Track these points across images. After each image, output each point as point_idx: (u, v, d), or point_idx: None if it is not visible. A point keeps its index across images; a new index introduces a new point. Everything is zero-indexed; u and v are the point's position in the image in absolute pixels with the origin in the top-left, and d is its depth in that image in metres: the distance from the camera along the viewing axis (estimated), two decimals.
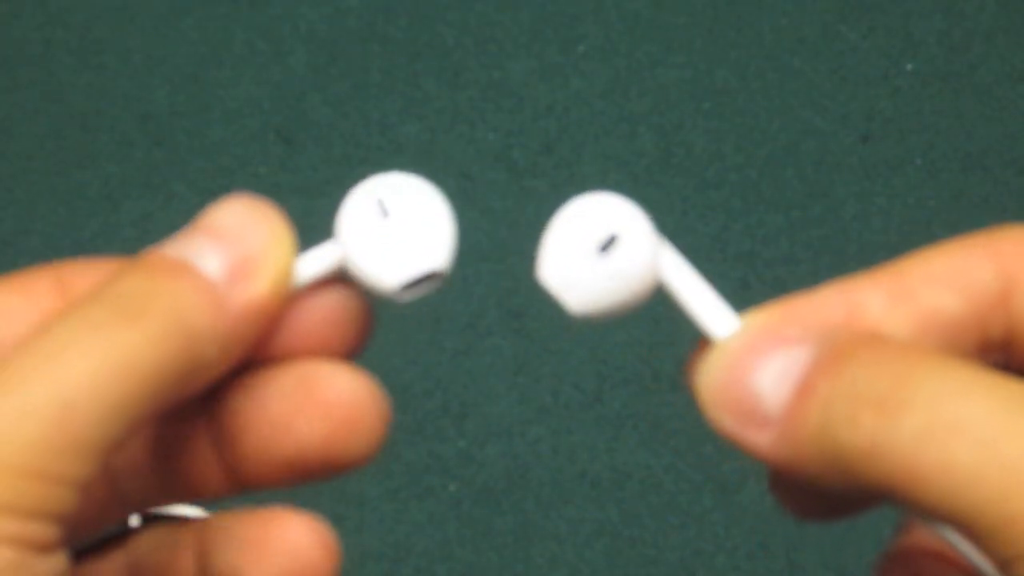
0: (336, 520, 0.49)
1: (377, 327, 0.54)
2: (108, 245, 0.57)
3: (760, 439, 0.22)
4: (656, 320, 0.54)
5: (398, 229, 0.24)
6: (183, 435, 0.24)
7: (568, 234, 0.24)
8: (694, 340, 0.25)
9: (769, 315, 0.23)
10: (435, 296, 0.59)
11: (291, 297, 0.24)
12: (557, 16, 0.61)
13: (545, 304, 0.55)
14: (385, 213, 0.24)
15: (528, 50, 0.60)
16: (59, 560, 0.21)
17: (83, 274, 0.23)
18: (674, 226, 0.56)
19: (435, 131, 0.58)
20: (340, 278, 0.25)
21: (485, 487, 0.51)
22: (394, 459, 0.52)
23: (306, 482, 0.24)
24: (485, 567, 0.50)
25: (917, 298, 0.23)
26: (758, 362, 0.23)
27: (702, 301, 0.24)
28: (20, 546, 0.20)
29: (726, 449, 0.56)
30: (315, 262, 0.24)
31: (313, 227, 0.64)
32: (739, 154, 0.58)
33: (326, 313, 0.25)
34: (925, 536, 0.26)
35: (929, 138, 0.58)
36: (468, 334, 0.54)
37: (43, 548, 0.21)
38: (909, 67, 0.59)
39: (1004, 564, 0.20)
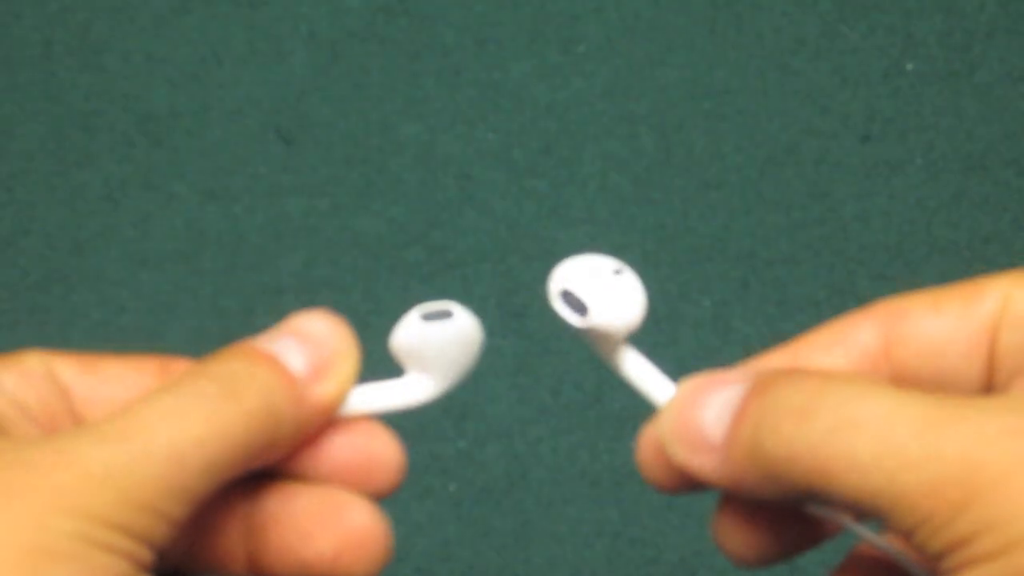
0: None
1: (377, 327, 0.54)
2: (108, 245, 0.57)
3: (707, 463, 0.27)
4: (656, 320, 0.54)
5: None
6: (223, 515, 0.28)
7: (586, 262, 0.29)
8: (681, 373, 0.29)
9: (703, 374, 0.28)
10: (435, 296, 0.59)
11: (351, 418, 0.30)
12: (557, 16, 0.61)
13: (545, 304, 0.56)
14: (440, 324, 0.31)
15: (528, 50, 0.60)
16: None
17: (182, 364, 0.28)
18: (674, 226, 0.56)
19: (435, 131, 0.58)
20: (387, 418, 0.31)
21: (485, 487, 0.51)
22: None
23: None
24: (485, 567, 0.50)
25: (814, 363, 0.28)
26: (701, 401, 0.27)
27: (647, 376, 0.30)
28: (131, 561, 0.24)
29: None
30: (377, 391, 0.30)
31: (313, 227, 0.65)
32: (739, 154, 0.58)
33: (366, 449, 0.30)
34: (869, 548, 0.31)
35: (929, 138, 0.58)
36: None
37: (144, 568, 0.25)
38: (909, 67, 0.59)
39: (908, 534, 0.23)
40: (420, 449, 0.52)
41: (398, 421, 0.59)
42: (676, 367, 0.59)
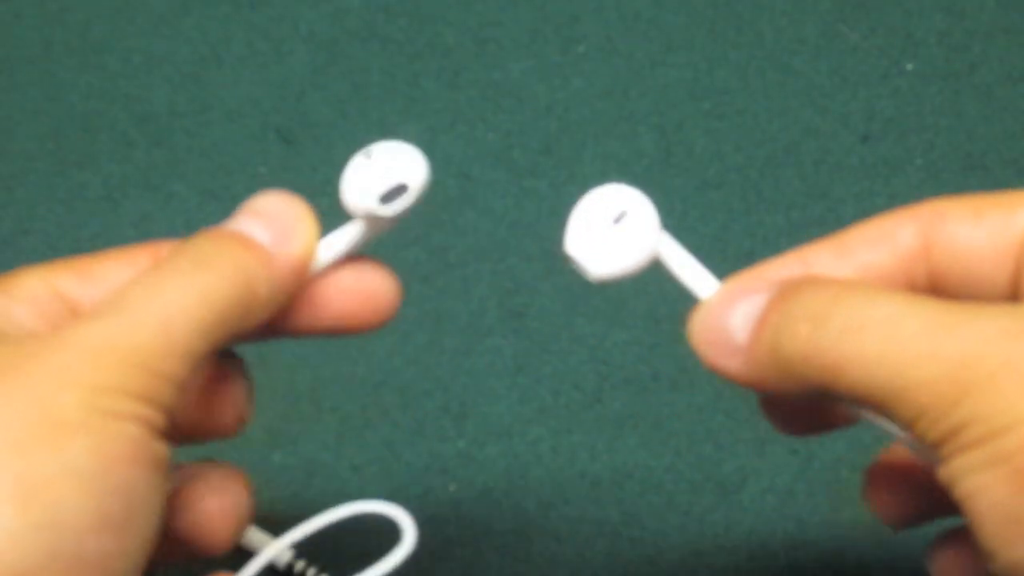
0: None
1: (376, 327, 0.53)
2: (108, 245, 0.57)
3: (733, 365, 0.30)
4: (656, 320, 0.54)
5: (375, 161, 0.34)
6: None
7: (587, 212, 0.31)
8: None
9: (740, 276, 0.31)
10: (435, 296, 0.59)
11: (323, 270, 0.34)
12: (557, 16, 0.61)
13: (545, 304, 0.55)
14: (368, 156, 0.34)
15: (528, 50, 0.60)
16: (166, 446, 0.28)
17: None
18: (674, 226, 0.56)
19: (435, 131, 0.58)
20: (363, 256, 0.35)
21: (485, 487, 0.51)
22: (394, 459, 0.52)
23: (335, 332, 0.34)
24: (485, 567, 0.50)
25: (855, 255, 0.30)
26: (729, 308, 0.30)
27: (691, 270, 0.32)
28: (141, 424, 0.26)
29: (726, 449, 0.57)
30: (338, 236, 0.34)
31: None
32: (739, 154, 0.58)
33: (351, 284, 0.34)
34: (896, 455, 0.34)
35: (929, 138, 0.58)
36: (468, 334, 0.54)
37: (156, 431, 0.27)
38: (909, 67, 0.59)
39: (909, 425, 0.26)
40: (420, 449, 0.52)
41: (398, 420, 0.59)
42: (677, 367, 0.59)
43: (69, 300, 0.31)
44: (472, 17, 0.61)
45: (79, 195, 0.57)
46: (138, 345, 0.27)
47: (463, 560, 0.50)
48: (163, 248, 0.33)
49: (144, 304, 0.28)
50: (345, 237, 0.35)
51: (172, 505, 0.33)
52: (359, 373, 0.53)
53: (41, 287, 0.31)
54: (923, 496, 0.34)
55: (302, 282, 0.33)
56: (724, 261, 0.56)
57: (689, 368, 0.53)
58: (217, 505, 0.34)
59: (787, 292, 0.29)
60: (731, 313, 0.30)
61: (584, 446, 0.52)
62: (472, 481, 0.51)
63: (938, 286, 0.30)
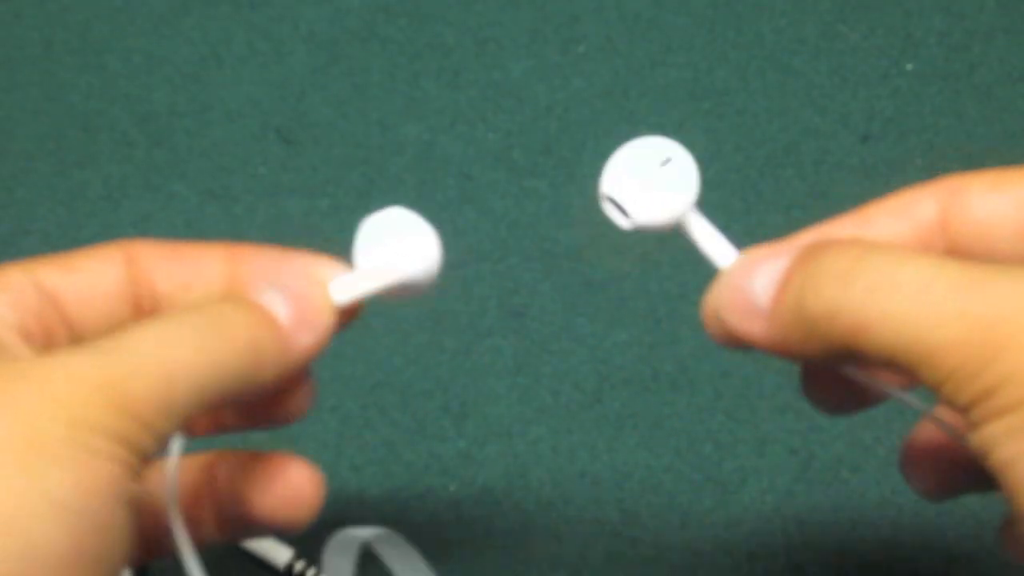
0: (337, 520, 0.49)
1: (377, 327, 0.54)
2: None
3: (756, 328, 0.29)
4: (656, 320, 0.54)
5: (391, 239, 0.34)
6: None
7: (630, 157, 0.30)
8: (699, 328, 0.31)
9: (761, 248, 0.31)
10: (435, 296, 0.59)
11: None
12: (557, 16, 0.61)
13: (545, 304, 0.55)
14: (385, 228, 0.34)
15: (528, 50, 0.60)
16: (137, 488, 0.27)
17: (147, 251, 0.32)
18: None
19: (435, 131, 0.58)
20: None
21: (485, 487, 0.51)
22: (394, 459, 0.52)
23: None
24: (485, 567, 0.50)
25: (876, 227, 0.30)
26: (752, 273, 0.30)
27: (715, 240, 0.31)
28: (124, 467, 0.26)
29: (726, 449, 0.57)
30: (348, 285, 0.34)
31: (313, 227, 0.65)
32: (739, 154, 0.58)
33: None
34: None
35: (929, 138, 0.58)
36: (468, 334, 0.54)
37: (133, 475, 0.27)
38: (909, 67, 0.59)
39: (937, 387, 0.25)
40: (420, 449, 0.52)
41: (398, 420, 0.59)
42: (677, 367, 0.59)
43: (51, 292, 0.31)
44: (472, 17, 0.61)
45: (79, 195, 0.57)
46: (135, 393, 0.26)
47: (463, 560, 0.50)
48: (136, 249, 0.32)
49: (150, 353, 0.27)
50: (355, 290, 0.34)
51: (252, 484, 0.34)
52: (359, 373, 0.53)
53: (23, 279, 0.31)
54: (959, 470, 0.34)
55: (307, 365, 0.33)
56: None
57: (689, 368, 0.53)
58: (305, 475, 0.34)
59: (811, 253, 0.28)
60: (754, 276, 0.30)
61: (584, 446, 0.52)
62: (472, 481, 0.51)
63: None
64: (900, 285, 0.25)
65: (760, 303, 0.29)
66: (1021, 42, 0.60)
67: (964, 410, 0.25)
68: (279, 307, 0.31)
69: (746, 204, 0.56)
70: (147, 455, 0.27)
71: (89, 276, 0.32)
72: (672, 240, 0.56)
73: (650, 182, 0.30)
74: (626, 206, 0.30)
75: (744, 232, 0.59)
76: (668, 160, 0.30)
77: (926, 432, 0.35)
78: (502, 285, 0.54)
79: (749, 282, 0.30)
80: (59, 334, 0.31)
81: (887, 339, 0.25)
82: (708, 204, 0.60)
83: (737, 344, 0.31)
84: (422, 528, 0.51)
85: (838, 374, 0.32)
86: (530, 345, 0.53)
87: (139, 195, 0.57)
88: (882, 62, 0.59)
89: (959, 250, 0.29)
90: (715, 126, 0.58)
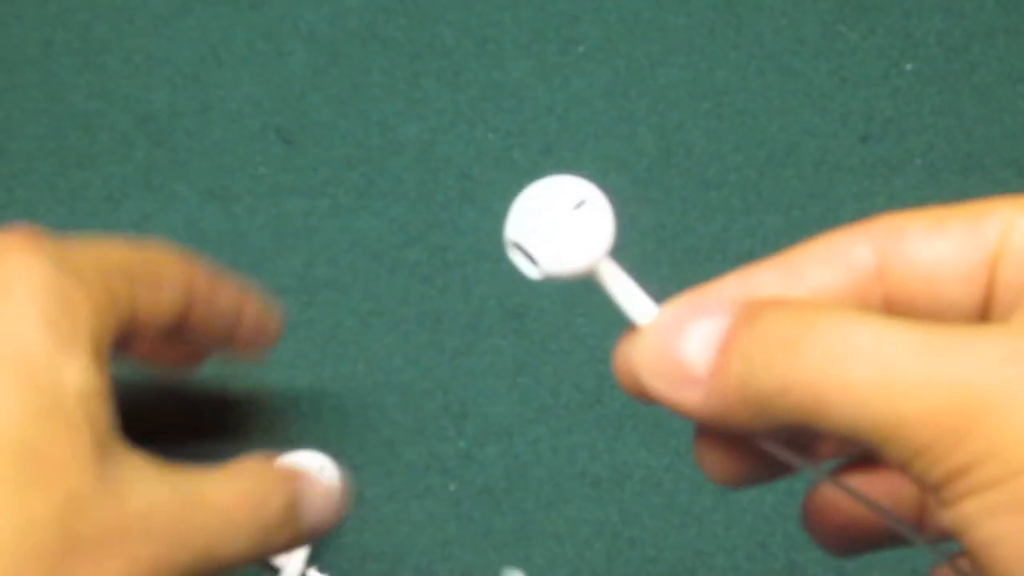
0: (336, 520, 0.48)
1: (377, 327, 0.54)
2: None
3: (692, 397, 0.26)
4: None
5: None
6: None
7: (538, 198, 0.27)
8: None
9: (684, 297, 0.27)
10: (435, 296, 0.59)
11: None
12: (557, 16, 0.61)
13: (545, 304, 0.56)
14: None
15: (528, 50, 0.60)
16: None
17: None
18: (674, 226, 0.56)
19: (435, 131, 0.58)
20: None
21: (485, 487, 0.51)
22: (394, 459, 0.52)
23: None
24: (485, 567, 0.50)
25: (805, 277, 0.27)
26: (683, 332, 0.26)
27: (629, 292, 0.27)
28: None
29: None
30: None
31: (313, 227, 0.65)
32: (739, 154, 0.58)
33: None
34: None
35: (929, 138, 0.58)
36: (468, 334, 0.54)
37: None
38: (909, 67, 0.59)
39: (905, 465, 0.23)
40: (420, 449, 0.52)
41: (398, 420, 0.59)
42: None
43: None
44: (472, 17, 0.61)
45: (79, 195, 0.57)
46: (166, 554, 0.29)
47: (463, 560, 0.50)
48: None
49: (204, 542, 0.31)
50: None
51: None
52: (359, 373, 0.53)
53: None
54: (863, 531, 0.31)
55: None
56: (724, 261, 0.56)
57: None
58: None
59: (752, 313, 0.25)
60: (686, 338, 0.26)
61: (584, 446, 0.52)
62: (472, 481, 0.51)
63: (895, 309, 0.27)
64: (857, 352, 0.23)
65: (694, 371, 0.25)
66: (1021, 42, 0.60)
67: (935, 487, 0.23)
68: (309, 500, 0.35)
69: (746, 204, 0.56)
70: None
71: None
72: (672, 240, 0.56)
73: (561, 228, 0.26)
74: (534, 254, 0.26)
75: (744, 232, 0.60)
76: (581, 203, 0.27)
77: (826, 496, 0.32)
78: (502, 285, 0.54)
79: (679, 345, 0.26)
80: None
81: (847, 414, 0.23)
82: (708, 204, 0.61)
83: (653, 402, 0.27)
84: (422, 528, 0.51)
85: (738, 440, 0.28)
86: (530, 345, 0.53)
87: (139, 195, 0.57)
88: (882, 62, 0.59)
89: (899, 299, 0.27)
90: (715, 126, 0.58)
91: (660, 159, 0.57)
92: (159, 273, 0.36)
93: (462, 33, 0.61)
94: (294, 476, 0.36)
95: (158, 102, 0.59)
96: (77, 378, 0.30)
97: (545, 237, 0.26)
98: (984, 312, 0.26)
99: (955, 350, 0.22)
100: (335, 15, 0.61)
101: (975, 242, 0.26)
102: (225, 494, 0.33)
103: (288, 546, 0.35)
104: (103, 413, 0.32)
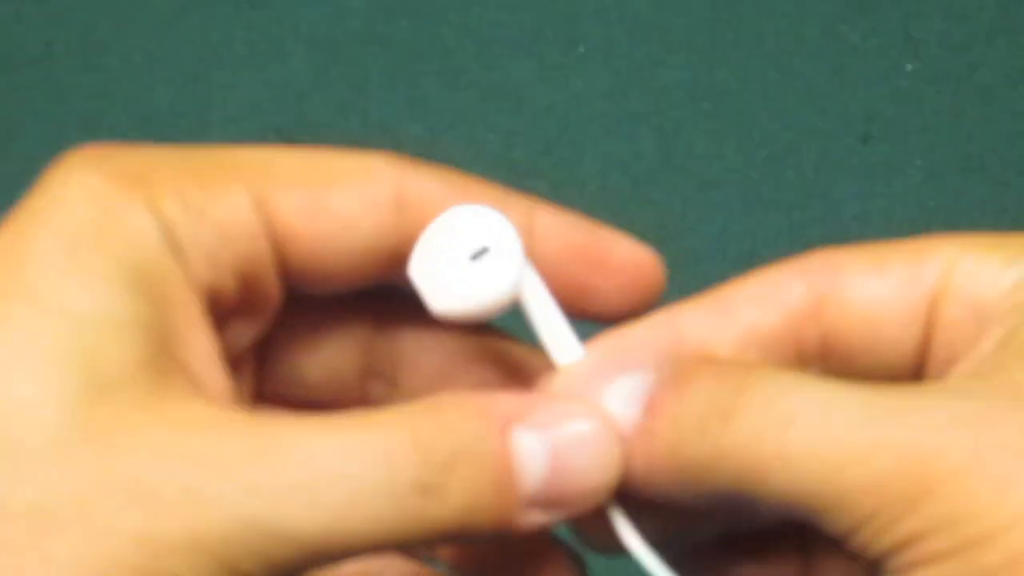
0: None
1: None
2: None
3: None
4: None
5: None
6: None
7: (444, 238, 0.25)
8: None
9: (607, 342, 0.25)
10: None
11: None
12: (557, 16, 0.61)
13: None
14: None
15: (528, 51, 0.60)
16: None
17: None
18: (674, 226, 0.56)
19: (435, 131, 0.58)
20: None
21: None
22: None
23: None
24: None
25: (737, 316, 0.25)
26: (605, 386, 0.23)
27: (553, 328, 0.25)
28: None
29: None
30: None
31: None
32: (739, 154, 0.58)
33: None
34: None
35: (929, 139, 0.58)
36: None
37: None
38: (909, 67, 0.59)
39: (847, 535, 0.21)
40: None
41: None
42: None
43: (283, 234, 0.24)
44: (472, 18, 0.61)
45: None
46: (256, 556, 0.20)
47: None
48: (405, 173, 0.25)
49: (311, 516, 0.21)
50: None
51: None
52: None
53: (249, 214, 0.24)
54: None
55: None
56: (724, 261, 0.56)
57: None
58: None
59: (683, 375, 0.23)
60: (608, 392, 0.23)
61: None
62: None
63: (831, 350, 0.25)
64: (796, 417, 0.21)
65: (620, 428, 0.23)
66: (1021, 43, 0.60)
67: (880, 558, 0.21)
68: (528, 467, 0.23)
69: (746, 204, 0.56)
70: None
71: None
72: (671, 239, 0.56)
73: (455, 278, 0.24)
74: (426, 297, 0.24)
75: (744, 232, 0.60)
76: (483, 251, 0.25)
77: None
78: None
79: (603, 399, 0.23)
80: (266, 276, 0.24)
81: (785, 482, 0.21)
82: (708, 204, 0.61)
83: None
84: None
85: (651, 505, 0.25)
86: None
87: None
88: (883, 62, 0.60)
89: (836, 339, 0.25)
90: (715, 126, 0.58)
91: (660, 159, 0.57)
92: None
93: (462, 33, 0.61)
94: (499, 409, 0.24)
95: (158, 102, 0.59)
96: (81, 306, 0.21)
97: (439, 284, 0.25)
98: (923, 353, 0.25)
99: (900, 413, 0.21)
100: (335, 15, 0.61)
101: (915, 282, 0.24)
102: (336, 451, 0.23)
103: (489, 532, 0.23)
104: (114, 348, 0.21)
